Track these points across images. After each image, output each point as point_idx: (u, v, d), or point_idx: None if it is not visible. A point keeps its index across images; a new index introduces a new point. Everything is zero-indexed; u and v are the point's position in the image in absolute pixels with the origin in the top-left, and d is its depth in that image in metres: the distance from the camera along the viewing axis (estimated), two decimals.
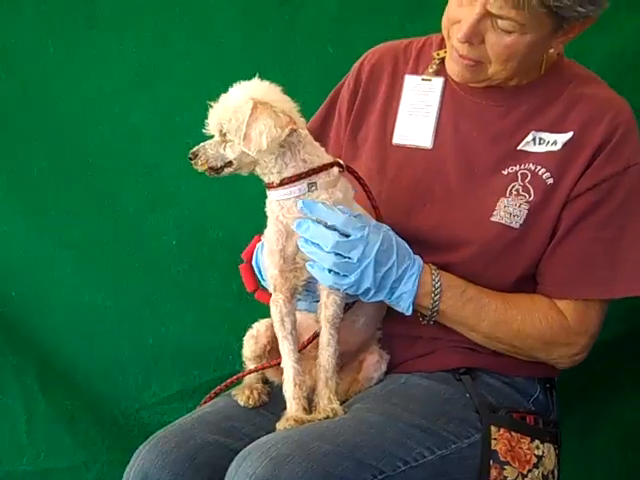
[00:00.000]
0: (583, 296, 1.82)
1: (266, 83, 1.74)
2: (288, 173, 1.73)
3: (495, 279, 1.83)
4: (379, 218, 1.82)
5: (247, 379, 1.91)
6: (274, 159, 1.72)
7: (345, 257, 1.70)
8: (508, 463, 1.73)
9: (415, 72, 1.95)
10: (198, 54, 2.63)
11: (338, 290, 1.74)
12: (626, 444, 2.51)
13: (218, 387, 1.93)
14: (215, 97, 1.79)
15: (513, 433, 1.76)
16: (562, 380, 2.13)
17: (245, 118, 1.66)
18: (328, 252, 1.69)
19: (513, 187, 1.82)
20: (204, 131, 1.76)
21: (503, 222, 1.81)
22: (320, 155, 1.76)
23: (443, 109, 1.90)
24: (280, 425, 1.72)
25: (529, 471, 1.74)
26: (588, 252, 1.80)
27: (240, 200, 2.56)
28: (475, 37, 1.74)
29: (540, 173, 1.81)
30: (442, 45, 1.94)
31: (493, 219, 1.82)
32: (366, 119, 1.98)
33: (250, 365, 1.91)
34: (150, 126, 2.65)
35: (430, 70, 1.92)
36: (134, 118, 2.65)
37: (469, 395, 1.80)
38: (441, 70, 1.92)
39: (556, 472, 1.81)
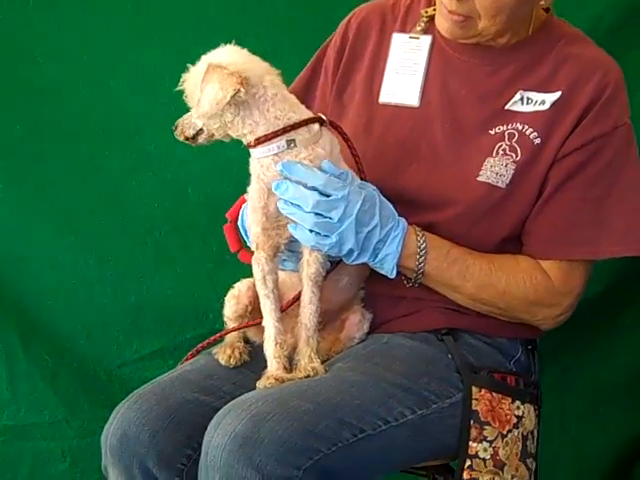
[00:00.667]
0: (568, 256, 1.74)
1: (234, 48, 1.63)
2: (260, 132, 1.61)
3: (480, 239, 1.74)
4: (362, 176, 1.72)
5: (228, 338, 1.82)
6: (240, 120, 1.61)
7: (326, 217, 1.61)
8: (488, 423, 1.65)
9: (403, 30, 1.85)
10: (179, 18, 2.49)
11: (320, 251, 1.65)
12: (597, 401, 2.42)
13: (199, 345, 1.83)
14: (196, 61, 1.68)
15: (494, 394, 1.67)
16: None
17: (199, 83, 1.58)
18: (308, 212, 1.60)
19: (500, 147, 1.72)
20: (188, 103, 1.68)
21: (490, 182, 1.72)
22: (297, 112, 1.64)
23: (431, 67, 1.81)
24: (260, 384, 1.63)
25: (509, 431, 1.66)
26: (575, 211, 1.72)
27: (220, 164, 2.44)
28: None
29: (527, 133, 1.72)
30: (430, 2, 1.84)
31: (479, 179, 1.72)
32: (352, 78, 1.88)
33: (231, 324, 1.81)
34: (131, 90, 2.52)
35: (418, 28, 1.81)
36: (115, 82, 2.52)
37: (451, 355, 1.73)
38: (429, 28, 1.81)
39: (535, 432, 1.74)
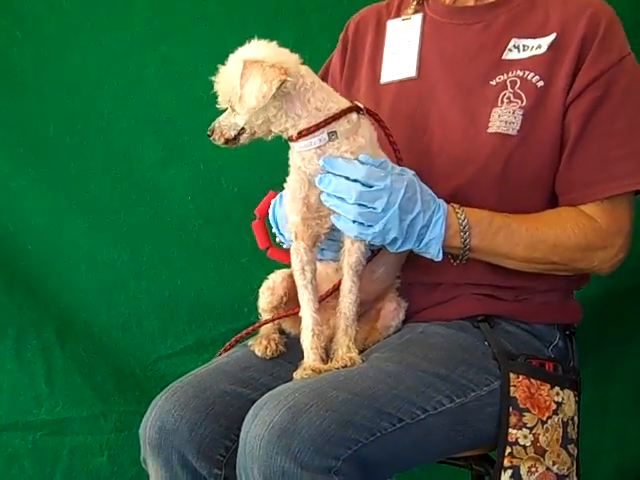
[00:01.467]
0: (610, 192, 1.74)
1: (261, 42, 1.66)
2: (303, 125, 1.64)
3: (506, 195, 1.75)
4: (400, 160, 1.75)
5: (263, 329, 1.86)
6: (283, 114, 1.64)
7: (369, 207, 1.63)
8: (527, 410, 1.67)
9: (397, 16, 1.93)
10: (210, 7, 2.57)
11: (364, 240, 1.68)
12: (638, 391, 2.47)
13: (236, 337, 1.87)
14: (228, 51, 1.71)
15: (532, 380, 1.69)
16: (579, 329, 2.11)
17: (237, 81, 1.59)
18: (352, 204, 1.63)
19: (504, 95, 1.76)
20: (218, 106, 1.70)
21: (500, 131, 1.75)
22: (336, 101, 1.67)
23: (425, 40, 1.87)
24: (297, 375, 1.66)
25: (549, 417, 1.68)
26: (605, 148, 1.73)
27: (254, 154, 2.48)
28: None
29: (529, 77, 1.76)
30: None
31: (490, 130, 1.76)
32: (358, 71, 1.95)
33: (266, 316, 1.85)
34: (163, 82, 2.61)
35: (409, 11, 1.90)
36: (147, 74, 2.61)
37: (487, 343, 1.75)
38: (420, 9, 1.90)
39: (576, 419, 1.75)
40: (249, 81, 1.58)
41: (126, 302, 2.66)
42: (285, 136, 1.69)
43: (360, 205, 1.63)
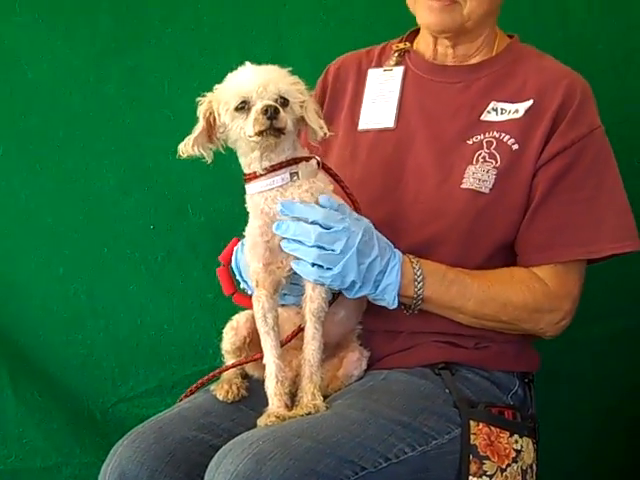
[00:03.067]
0: (566, 257, 2.08)
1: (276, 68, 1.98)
2: (278, 159, 1.96)
3: (471, 249, 2.10)
4: (358, 210, 2.05)
5: (226, 374, 2.13)
6: (288, 141, 1.97)
7: (328, 249, 1.93)
8: (487, 457, 1.97)
9: (378, 65, 2.29)
10: (177, 23, 2.80)
11: (323, 284, 1.96)
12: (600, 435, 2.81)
13: (198, 382, 2.15)
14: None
15: (492, 427, 2.00)
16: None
17: (305, 95, 1.95)
18: (311, 246, 1.92)
19: (480, 155, 2.11)
20: (256, 93, 1.90)
21: (473, 188, 2.09)
22: (299, 147, 2.01)
23: (406, 92, 2.22)
24: (261, 421, 1.93)
25: (508, 465, 1.99)
26: (567, 214, 2.08)
27: (225, 181, 2.66)
28: None
29: (505, 140, 2.11)
30: (401, 40, 2.27)
31: (463, 186, 2.10)
32: (336, 117, 2.28)
33: (229, 358, 2.13)
34: (126, 98, 2.81)
35: (391, 62, 2.27)
36: (109, 89, 2.81)
37: (448, 390, 2.04)
38: (401, 61, 2.25)
39: (534, 466, 2.05)
40: (312, 107, 1.98)
41: (83, 341, 2.86)
42: (250, 170, 1.98)
43: (319, 247, 1.92)
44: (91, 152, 2.85)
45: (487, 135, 2.14)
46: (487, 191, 2.10)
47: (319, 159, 2.03)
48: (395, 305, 2.03)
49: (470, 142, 2.14)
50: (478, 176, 2.11)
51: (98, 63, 2.83)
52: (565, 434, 2.82)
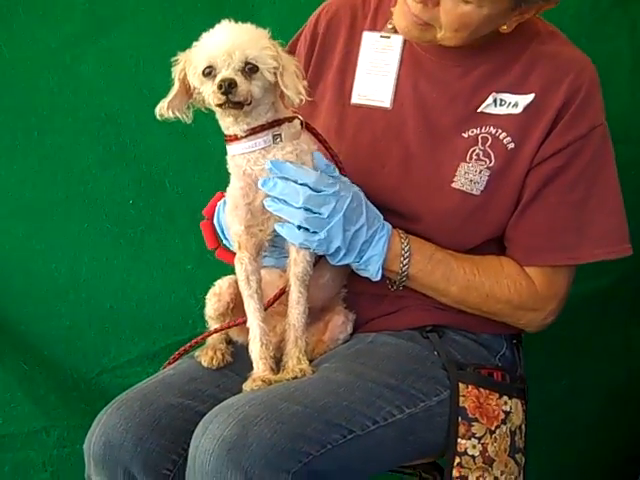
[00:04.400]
0: (551, 262, 1.90)
1: (260, 29, 1.78)
2: (257, 123, 1.77)
3: (458, 246, 1.91)
4: (342, 173, 1.87)
5: (210, 339, 1.98)
6: (263, 105, 1.76)
7: (315, 212, 1.76)
8: (476, 419, 1.83)
9: (373, 28, 2.00)
10: (151, 1, 2.64)
11: (308, 249, 1.80)
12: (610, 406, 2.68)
13: (182, 348, 1.99)
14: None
15: (481, 389, 1.85)
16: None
17: (281, 60, 1.73)
18: (298, 207, 1.75)
19: (474, 151, 1.89)
20: (212, 63, 1.71)
21: (464, 189, 1.88)
22: (281, 108, 1.81)
23: (402, 67, 1.96)
24: (247, 386, 1.79)
25: (497, 427, 1.84)
26: (555, 217, 1.88)
27: (201, 153, 2.61)
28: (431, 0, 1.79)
29: (501, 137, 1.88)
30: None
31: (454, 185, 1.89)
32: (323, 76, 2.04)
33: (213, 324, 1.98)
34: (103, 77, 2.67)
35: (389, 26, 1.98)
36: (85, 68, 2.67)
37: (437, 353, 1.89)
38: None
39: (523, 427, 1.91)
40: (290, 66, 1.74)
41: (66, 314, 2.75)
42: (229, 132, 1.78)
43: (306, 210, 1.75)
44: (69, 130, 2.72)
45: (483, 130, 1.90)
46: (478, 193, 1.90)
47: (302, 119, 1.85)
48: (378, 278, 1.87)
49: (465, 135, 1.91)
50: (470, 177, 1.90)
51: (74, 42, 2.69)
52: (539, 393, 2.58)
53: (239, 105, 1.72)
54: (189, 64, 1.77)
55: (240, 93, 1.70)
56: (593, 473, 2.75)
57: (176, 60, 1.80)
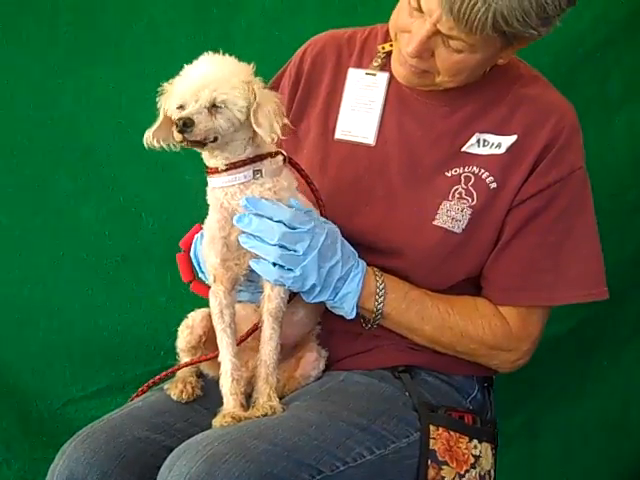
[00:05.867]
0: (527, 303, 1.86)
1: (245, 64, 1.73)
2: (237, 158, 1.72)
3: (437, 284, 1.86)
4: (322, 213, 1.82)
5: (180, 372, 1.90)
6: (240, 141, 1.71)
7: (290, 250, 1.70)
8: (446, 463, 1.76)
9: (359, 65, 1.96)
10: (132, 35, 2.62)
11: (283, 285, 1.73)
12: (569, 446, 2.62)
13: (151, 380, 1.91)
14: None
15: (452, 432, 1.79)
16: (503, 383, 2.21)
17: (251, 97, 1.67)
18: (273, 245, 1.69)
19: (456, 190, 1.85)
20: (178, 103, 1.69)
21: (445, 227, 1.84)
22: (264, 143, 1.74)
23: (387, 105, 1.92)
24: (217, 422, 1.71)
25: (466, 471, 1.78)
26: (532, 258, 1.84)
27: (177, 189, 2.57)
28: (425, 52, 1.76)
29: (484, 177, 1.84)
30: (387, 38, 1.93)
31: (435, 223, 1.84)
32: (308, 112, 1.99)
33: (184, 357, 1.90)
34: (83, 109, 2.64)
35: (374, 64, 1.94)
36: (65, 101, 2.64)
37: (408, 394, 1.83)
38: (386, 64, 1.93)
39: (492, 472, 1.85)
40: (264, 105, 1.67)
41: (36, 342, 2.68)
42: (210, 165, 1.72)
43: (281, 247, 1.69)
44: (48, 159, 2.69)
45: (466, 169, 1.86)
46: (459, 231, 1.85)
47: (285, 155, 1.79)
48: (353, 315, 1.80)
49: (449, 174, 1.87)
50: (452, 214, 1.85)
51: (56, 73, 2.66)
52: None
53: (199, 143, 1.67)
54: (168, 97, 1.73)
55: (196, 132, 1.65)
56: None
57: (161, 90, 1.75)
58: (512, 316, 1.87)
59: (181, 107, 1.68)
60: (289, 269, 1.71)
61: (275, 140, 1.69)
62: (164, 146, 1.75)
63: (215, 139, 1.68)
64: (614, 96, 2.50)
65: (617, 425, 2.60)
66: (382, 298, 1.80)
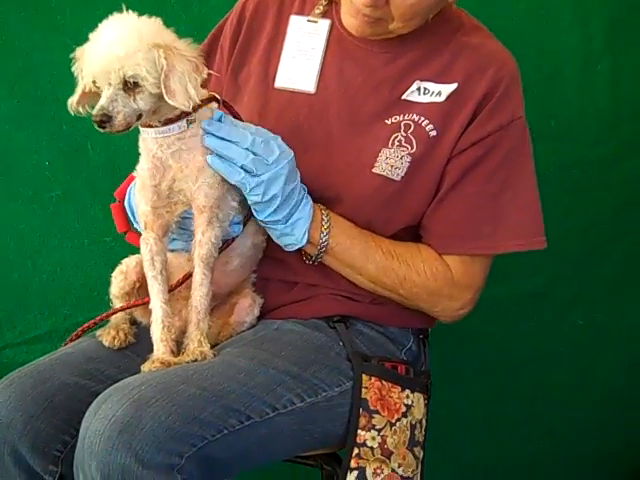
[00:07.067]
0: (466, 251, 2.15)
1: (151, 20, 1.95)
2: (170, 115, 1.98)
3: (378, 230, 2.15)
4: None
5: (113, 319, 2.18)
6: (162, 106, 1.95)
7: (261, 157, 1.99)
8: (377, 412, 2.06)
9: (301, 12, 2.24)
10: None
11: (244, 189, 2.01)
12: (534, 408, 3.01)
13: (84, 326, 2.17)
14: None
15: (384, 382, 2.09)
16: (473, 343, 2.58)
17: (162, 68, 1.88)
18: (244, 148, 1.98)
19: (396, 137, 2.14)
20: (83, 82, 1.90)
21: (384, 174, 2.13)
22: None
23: (328, 52, 2.20)
24: (145, 367, 1.97)
25: (398, 420, 2.09)
26: (472, 207, 2.13)
27: None
28: (380, 0, 2.01)
29: (424, 125, 2.13)
30: None
31: (374, 170, 2.13)
32: (249, 59, 2.27)
33: (117, 303, 2.18)
34: (23, 22, 2.86)
35: (317, 11, 2.23)
36: (6, 15, 2.83)
37: (342, 343, 2.13)
38: (328, 11, 2.22)
39: (424, 422, 2.15)
40: (175, 71, 1.89)
41: None
42: (147, 122, 1.98)
43: (253, 152, 1.98)
44: None
45: (406, 117, 2.15)
46: (398, 179, 2.14)
47: (220, 98, 2.05)
48: (303, 243, 2.11)
49: (388, 122, 2.16)
50: (391, 162, 2.14)
51: None
52: (463, 393, 3.01)
53: (123, 130, 1.91)
54: (82, 65, 1.94)
55: (117, 125, 1.89)
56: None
57: (75, 57, 1.96)
58: (455, 263, 2.16)
59: (95, 82, 1.89)
60: (255, 176, 2.00)
61: (192, 105, 1.92)
62: (90, 111, 1.97)
63: (139, 117, 1.91)
64: (596, 44, 2.78)
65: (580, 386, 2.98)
66: (327, 230, 2.11)
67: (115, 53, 1.87)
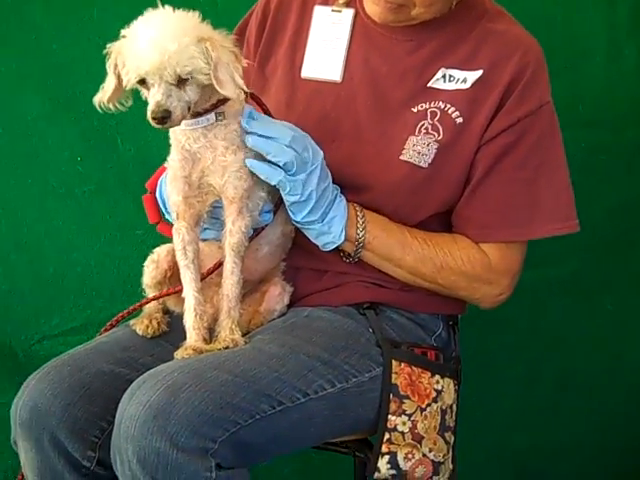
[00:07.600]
0: (503, 239, 2.18)
1: (190, 14, 1.97)
2: (201, 108, 2.01)
3: (405, 219, 2.18)
4: None
5: (147, 308, 2.22)
6: (204, 96, 1.99)
7: (300, 154, 2.02)
8: (408, 397, 2.09)
9: (325, 3, 2.27)
10: None
11: (283, 189, 2.03)
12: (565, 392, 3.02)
13: (118, 315, 2.22)
14: None
15: (414, 367, 2.11)
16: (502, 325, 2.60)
17: (211, 61, 1.92)
18: (287, 146, 2.01)
19: (422, 125, 2.16)
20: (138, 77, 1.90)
21: (412, 161, 2.15)
22: None
23: (353, 42, 2.22)
24: (178, 354, 2.01)
25: (428, 405, 2.11)
26: (506, 194, 2.16)
27: None
28: None
29: (450, 112, 2.15)
30: None
31: (402, 158, 2.16)
32: (275, 51, 2.31)
33: (150, 293, 2.21)
34: (53, 23, 2.89)
35: (340, 1, 2.25)
36: (35, 14, 2.88)
37: (372, 329, 2.15)
38: (351, 1, 2.24)
39: (454, 407, 2.17)
40: (222, 62, 1.93)
41: (6, 276, 2.95)
42: None
43: (294, 149, 2.00)
44: (14, 76, 2.90)
45: (432, 105, 2.18)
46: (426, 165, 2.16)
47: (248, 91, 2.07)
48: (342, 240, 2.14)
49: (415, 110, 2.18)
50: (418, 149, 2.16)
51: None
52: (492, 378, 3.02)
53: (178, 124, 1.96)
54: (120, 61, 1.97)
55: (176, 120, 1.92)
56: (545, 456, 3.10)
57: (108, 53, 1.98)
58: (491, 250, 2.19)
59: (142, 81, 1.92)
60: (293, 174, 2.03)
61: (241, 94, 1.96)
62: (119, 108, 2.02)
63: (189, 109, 1.95)
64: (622, 29, 2.80)
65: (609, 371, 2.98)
66: (363, 225, 2.14)
67: (168, 49, 1.89)
